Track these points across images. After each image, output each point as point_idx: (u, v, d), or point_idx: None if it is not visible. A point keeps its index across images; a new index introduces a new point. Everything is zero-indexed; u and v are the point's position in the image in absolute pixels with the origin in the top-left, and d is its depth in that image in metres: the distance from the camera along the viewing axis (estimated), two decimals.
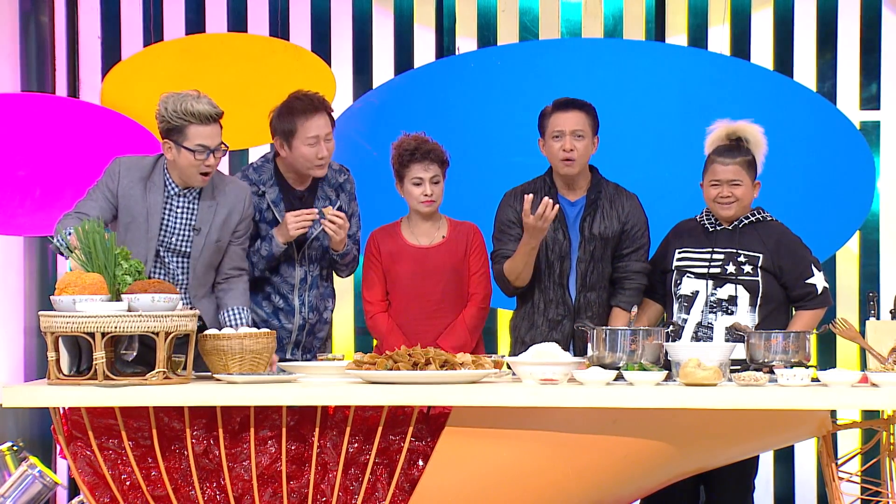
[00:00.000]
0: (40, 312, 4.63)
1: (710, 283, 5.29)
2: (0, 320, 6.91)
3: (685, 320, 5.32)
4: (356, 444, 4.67)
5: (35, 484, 6.26)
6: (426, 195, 5.52)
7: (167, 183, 5.20)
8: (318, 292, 5.65)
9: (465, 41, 6.96)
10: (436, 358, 4.66)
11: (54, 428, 4.70)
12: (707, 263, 5.31)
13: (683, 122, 6.40)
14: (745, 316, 5.25)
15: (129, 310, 4.58)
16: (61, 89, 6.99)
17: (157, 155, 5.28)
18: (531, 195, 5.28)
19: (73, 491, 6.67)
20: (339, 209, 5.63)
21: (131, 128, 6.51)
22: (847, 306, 6.74)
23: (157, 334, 4.56)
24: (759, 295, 5.27)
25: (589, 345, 4.82)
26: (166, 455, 4.68)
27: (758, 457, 5.31)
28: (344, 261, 5.66)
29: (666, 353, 4.80)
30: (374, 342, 5.77)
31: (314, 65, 6.64)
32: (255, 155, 6.68)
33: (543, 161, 5.55)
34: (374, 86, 6.89)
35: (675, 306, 5.35)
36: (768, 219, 5.37)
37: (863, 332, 4.98)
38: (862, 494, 4.82)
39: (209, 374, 4.85)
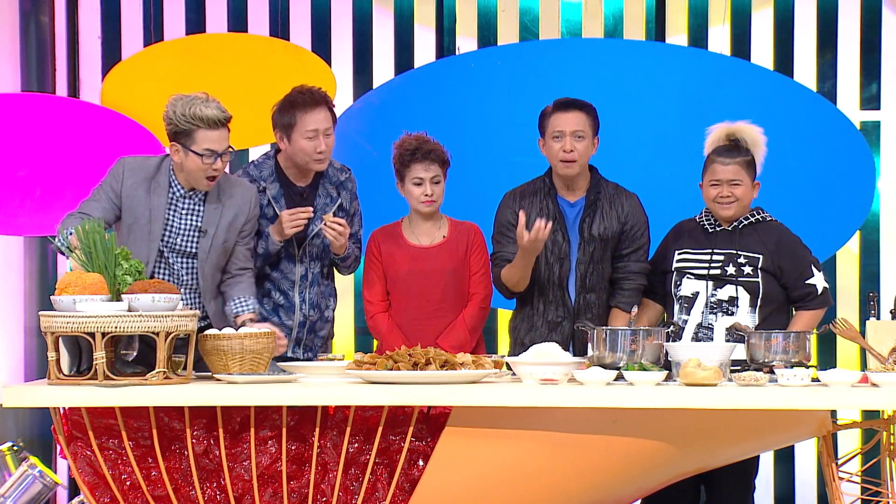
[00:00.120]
0: (40, 312, 4.63)
1: (710, 284, 5.29)
2: (0, 320, 6.91)
3: (685, 321, 5.32)
4: (356, 444, 4.67)
5: (35, 484, 6.26)
6: (427, 195, 5.52)
7: (172, 184, 5.20)
8: (319, 290, 5.65)
9: (466, 41, 6.96)
10: (436, 358, 4.66)
11: (54, 428, 4.70)
12: (707, 265, 5.30)
13: (683, 122, 6.40)
14: (746, 317, 5.25)
15: (130, 310, 4.58)
16: (61, 89, 6.99)
17: (163, 156, 5.27)
18: (524, 214, 5.26)
19: (73, 491, 6.67)
20: (340, 207, 5.64)
21: (131, 128, 6.51)
22: (847, 306, 6.74)
23: (157, 334, 4.56)
24: (760, 296, 5.26)
25: (589, 345, 4.82)
26: (166, 455, 4.68)
27: (758, 457, 5.31)
28: (345, 263, 5.67)
29: (666, 353, 4.80)
30: (375, 342, 5.77)
31: (314, 65, 6.64)
32: (255, 155, 6.68)
33: (544, 161, 5.55)
34: (375, 86, 6.89)
35: (676, 307, 5.34)
36: (768, 219, 5.36)
37: (863, 332, 4.98)
38: (862, 494, 4.82)
39: (209, 374, 4.85)
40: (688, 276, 5.33)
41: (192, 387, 4.59)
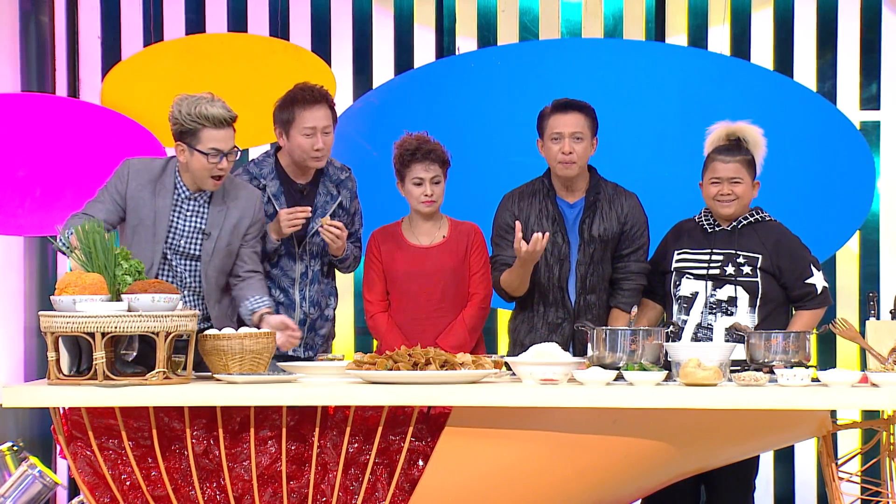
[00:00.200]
0: (40, 312, 4.63)
1: (710, 284, 5.29)
2: (0, 320, 6.91)
3: (685, 321, 5.32)
4: (356, 444, 4.67)
5: (35, 484, 6.26)
6: (427, 195, 5.52)
7: (177, 186, 5.19)
8: (319, 288, 5.65)
9: (465, 41, 6.96)
10: (436, 358, 4.66)
11: (54, 428, 4.70)
12: (706, 265, 5.30)
13: (683, 122, 6.40)
14: (745, 317, 5.25)
15: (129, 310, 4.58)
16: (61, 89, 6.99)
17: (168, 157, 5.26)
18: (520, 225, 5.24)
19: (73, 491, 6.67)
20: (340, 205, 5.65)
21: (131, 128, 6.51)
22: (847, 306, 6.74)
23: (157, 334, 4.56)
24: (759, 296, 5.27)
25: (589, 345, 4.82)
26: (166, 455, 4.68)
27: (758, 457, 5.31)
28: (343, 264, 5.68)
29: (666, 353, 4.80)
30: (375, 342, 5.77)
31: (314, 65, 6.64)
32: (255, 155, 6.68)
33: (543, 161, 5.55)
34: (374, 86, 6.89)
35: (675, 307, 5.34)
36: (767, 219, 5.36)
37: (863, 332, 4.98)
38: (862, 494, 4.82)
39: (209, 374, 4.85)
40: (687, 276, 5.33)
41: (191, 387, 4.59)
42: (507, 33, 6.93)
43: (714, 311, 5.28)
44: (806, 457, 6.89)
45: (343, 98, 6.75)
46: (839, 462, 4.80)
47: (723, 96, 6.42)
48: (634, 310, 5.24)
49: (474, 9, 6.97)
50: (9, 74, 6.88)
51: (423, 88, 6.63)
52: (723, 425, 4.64)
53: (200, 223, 5.21)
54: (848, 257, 6.83)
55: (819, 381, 4.59)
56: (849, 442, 6.59)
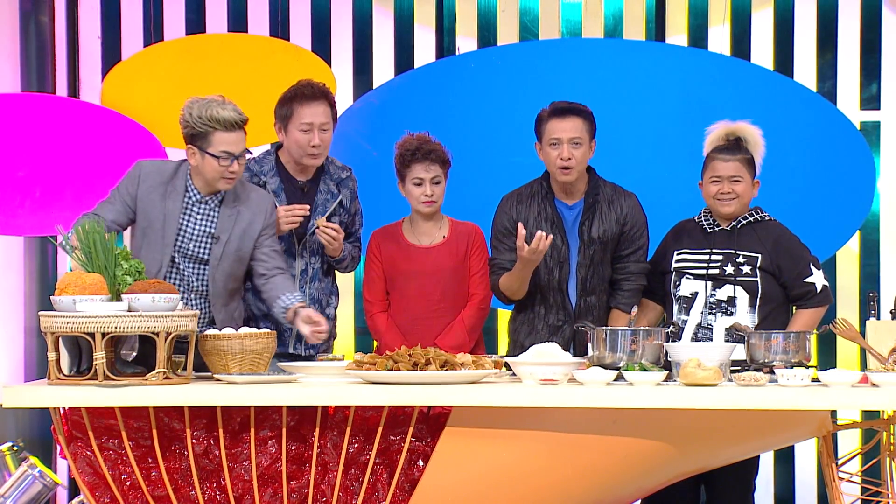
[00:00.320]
0: (40, 312, 4.64)
1: (709, 284, 5.29)
2: (0, 320, 6.91)
3: (685, 321, 5.31)
4: (356, 445, 4.67)
5: (35, 484, 6.26)
6: (427, 195, 5.52)
7: (189, 189, 5.16)
8: (320, 286, 5.65)
9: (465, 41, 6.96)
10: (436, 358, 4.66)
11: (54, 428, 4.70)
12: (706, 265, 5.30)
13: (683, 122, 6.40)
14: (745, 316, 5.25)
15: (129, 310, 4.58)
16: (61, 89, 6.99)
17: (180, 160, 5.23)
18: (523, 230, 5.23)
19: (73, 491, 6.67)
20: (341, 204, 5.65)
21: (131, 128, 6.51)
22: (847, 306, 6.74)
23: (157, 334, 4.56)
24: (759, 295, 5.26)
25: (589, 345, 4.82)
26: (166, 455, 4.68)
27: (758, 457, 5.31)
28: (341, 265, 5.67)
29: (666, 353, 4.80)
30: (375, 342, 5.77)
31: (314, 65, 6.64)
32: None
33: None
34: (374, 86, 6.89)
35: (675, 307, 5.34)
36: (766, 219, 5.37)
37: (863, 332, 4.98)
38: (862, 494, 4.82)
39: (209, 374, 4.85)
40: (687, 276, 5.33)
41: (192, 387, 4.60)
42: (507, 33, 6.93)
43: (714, 311, 5.28)
44: (806, 457, 6.89)
45: (343, 98, 6.75)
46: (839, 462, 4.80)
47: (723, 96, 6.42)
48: (634, 310, 5.25)
49: (474, 9, 6.97)
50: (9, 74, 6.88)
51: (423, 88, 6.63)
52: (723, 425, 4.64)
53: (210, 227, 5.18)
54: (848, 257, 6.83)
55: (819, 381, 4.59)
56: (849, 442, 6.59)
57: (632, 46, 6.68)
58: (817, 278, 5.31)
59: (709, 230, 5.35)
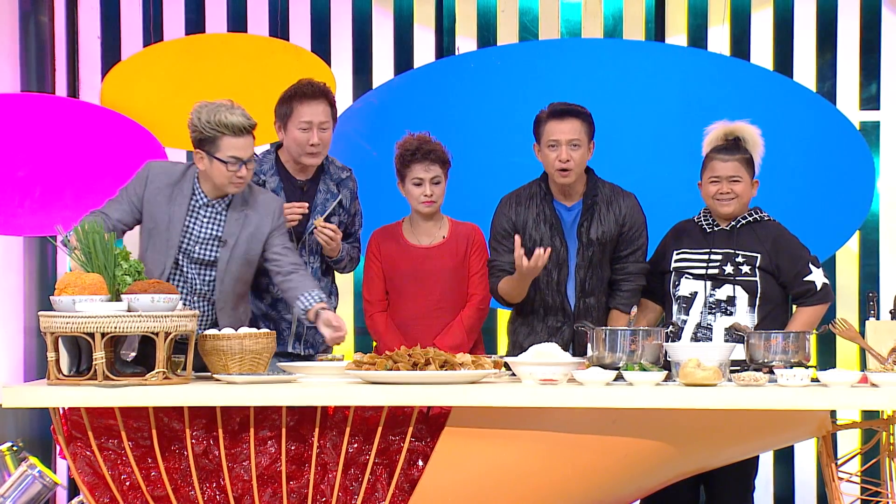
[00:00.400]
0: (40, 313, 4.64)
1: (709, 283, 5.29)
2: (0, 320, 6.91)
3: (684, 321, 5.31)
4: (356, 445, 4.67)
5: (35, 484, 6.26)
6: (426, 196, 5.52)
7: (196, 192, 5.15)
8: (319, 285, 5.64)
9: (465, 41, 6.96)
10: (435, 358, 4.66)
11: (54, 428, 4.70)
12: (705, 264, 5.30)
13: (683, 122, 6.40)
14: (744, 316, 5.25)
15: (129, 310, 4.58)
16: (61, 89, 7.00)
17: (190, 163, 5.20)
18: (521, 243, 5.22)
19: (73, 491, 6.67)
20: (340, 204, 5.65)
21: (131, 128, 6.51)
22: (847, 306, 6.74)
23: (156, 334, 4.56)
24: (758, 295, 5.26)
25: (589, 345, 4.82)
26: (166, 455, 4.68)
27: (758, 457, 5.31)
28: (338, 266, 5.67)
29: (666, 353, 4.80)
30: (374, 342, 5.77)
31: (314, 65, 6.64)
32: None
33: None
34: (374, 86, 6.90)
35: (674, 307, 5.34)
36: (765, 218, 5.37)
37: (862, 332, 4.98)
38: (862, 494, 4.82)
39: (209, 374, 4.85)
40: (686, 276, 5.33)
41: (191, 387, 4.60)
42: (507, 33, 6.93)
43: (713, 310, 5.28)
44: (806, 457, 6.89)
45: (343, 98, 6.75)
46: (839, 462, 4.80)
47: (722, 96, 6.42)
48: (633, 310, 5.24)
49: (474, 9, 6.97)
50: (9, 74, 6.88)
51: (423, 88, 6.63)
52: (722, 425, 4.64)
53: (216, 230, 5.16)
54: (848, 257, 6.83)
55: (819, 381, 4.59)
56: (849, 442, 6.59)
57: (631, 46, 6.68)
58: (817, 276, 5.30)
59: (708, 230, 5.35)
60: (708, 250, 5.32)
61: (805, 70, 6.83)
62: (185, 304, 5.14)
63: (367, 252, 5.67)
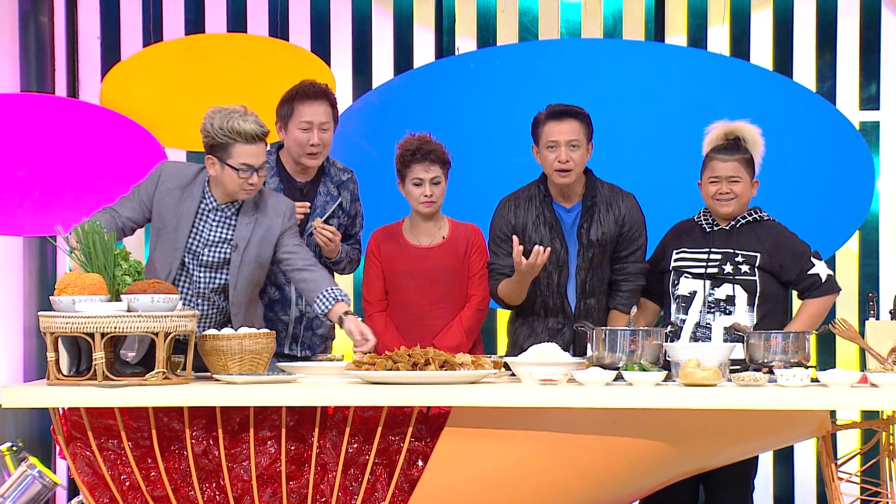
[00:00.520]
0: (40, 313, 4.64)
1: (708, 283, 5.29)
2: (0, 320, 6.91)
3: (683, 321, 5.31)
4: (356, 445, 4.67)
5: (34, 484, 6.26)
6: (426, 196, 5.52)
7: (205, 196, 5.12)
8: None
9: (465, 41, 6.96)
10: (435, 358, 4.66)
11: (54, 428, 4.70)
12: (704, 263, 5.31)
13: (683, 122, 6.40)
14: (743, 315, 5.25)
15: (129, 310, 4.58)
16: (61, 89, 7.00)
17: (202, 166, 5.18)
18: (520, 244, 5.21)
19: (73, 491, 6.67)
20: (340, 206, 5.65)
21: (131, 128, 6.52)
22: (847, 306, 6.74)
23: (156, 335, 4.56)
24: (757, 294, 5.26)
25: (588, 345, 4.82)
26: (166, 455, 4.68)
27: (757, 457, 5.31)
28: (337, 267, 5.66)
29: (665, 353, 4.80)
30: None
31: (314, 65, 6.65)
32: None
33: None
34: (374, 86, 6.90)
35: (673, 307, 5.34)
36: (765, 218, 5.37)
37: (862, 333, 4.98)
38: (861, 495, 4.82)
39: (209, 374, 4.85)
40: (685, 275, 5.33)
41: (191, 387, 4.60)
42: (507, 33, 6.93)
43: (712, 310, 5.28)
44: (805, 457, 6.89)
45: (342, 98, 6.75)
46: (839, 462, 4.80)
47: (722, 96, 6.42)
48: (633, 310, 5.24)
49: (474, 9, 6.97)
50: (8, 74, 6.88)
51: (423, 89, 6.63)
52: (722, 425, 4.64)
53: (226, 234, 5.14)
54: (847, 257, 6.83)
55: (818, 381, 4.59)
56: (848, 442, 6.60)
57: (631, 47, 6.68)
58: (820, 269, 5.30)
59: (708, 230, 5.35)
60: (707, 250, 5.32)
61: (805, 70, 6.83)
62: (188, 305, 5.13)
63: (366, 252, 5.66)
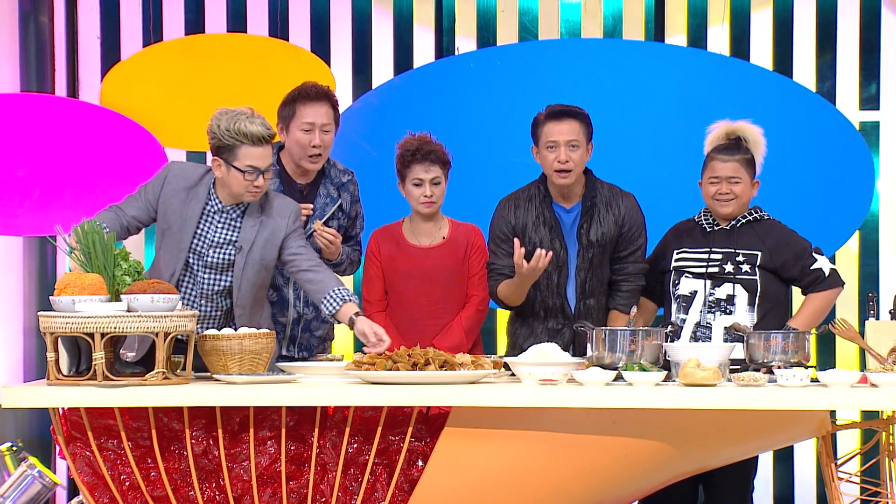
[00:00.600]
0: (40, 313, 4.63)
1: (709, 282, 5.29)
2: (0, 320, 6.91)
3: (683, 320, 5.31)
4: (355, 445, 4.67)
5: (34, 484, 6.26)
6: (426, 196, 5.52)
7: (210, 197, 5.11)
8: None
9: (465, 41, 6.96)
10: (435, 358, 4.66)
11: (54, 428, 4.70)
12: (705, 263, 5.31)
13: (683, 122, 6.40)
14: (744, 315, 5.25)
15: (129, 310, 4.58)
16: (61, 89, 7.00)
17: (209, 167, 5.16)
18: (521, 244, 5.20)
19: (73, 491, 6.67)
20: (340, 207, 5.65)
21: (131, 128, 6.52)
22: (847, 306, 6.74)
23: (156, 335, 4.56)
24: (758, 294, 5.27)
25: (588, 345, 4.82)
26: (166, 455, 4.68)
27: (757, 457, 5.31)
28: (337, 269, 5.65)
29: (665, 353, 4.80)
30: None
31: (314, 65, 6.65)
32: None
33: None
34: (374, 86, 6.90)
35: (674, 306, 5.34)
36: (765, 218, 5.37)
37: (862, 333, 4.98)
38: (861, 495, 4.82)
39: (209, 374, 4.85)
40: (686, 275, 5.33)
41: (191, 387, 4.60)
42: (507, 33, 6.93)
43: (713, 309, 5.28)
44: (805, 457, 6.89)
45: (342, 98, 6.74)
46: (839, 462, 4.80)
47: (722, 96, 6.43)
48: (633, 310, 5.24)
49: (474, 9, 6.97)
50: (8, 74, 6.88)
51: (423, 89, 6.63)
52: (722, 425, 4.64)
53: (231, 235, 5.13)
54: (847, 257, 6.83)
55: (818, 381, 4.59)
56: (848, 442, 6.60)
57: (631, 47, 6.68)
58: (823, 263, 5.30)
59: (708, 229, 5.35)
60: (708, 249, 5.32)
61: (805, 70, 6.83)
62: (192, 307, 5.12)
63: (366, 252, 5.66)
